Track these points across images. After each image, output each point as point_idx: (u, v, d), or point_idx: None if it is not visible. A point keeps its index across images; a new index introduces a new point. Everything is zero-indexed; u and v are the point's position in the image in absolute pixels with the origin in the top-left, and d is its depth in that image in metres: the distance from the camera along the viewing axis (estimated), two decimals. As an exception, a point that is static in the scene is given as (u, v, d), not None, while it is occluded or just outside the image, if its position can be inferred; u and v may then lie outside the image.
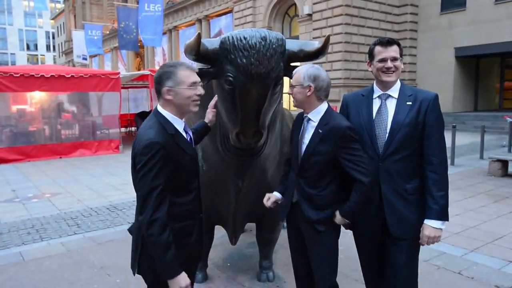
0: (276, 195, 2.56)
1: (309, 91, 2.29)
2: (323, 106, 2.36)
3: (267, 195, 2.58)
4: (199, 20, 27.55)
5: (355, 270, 3.25)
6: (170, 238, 1.86)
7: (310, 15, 18.41)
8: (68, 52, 48.28)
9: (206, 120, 2.46)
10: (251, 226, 4.33)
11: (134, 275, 2.07)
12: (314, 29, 18.00)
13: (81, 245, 4.54)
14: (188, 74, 1.98)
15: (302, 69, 2.33)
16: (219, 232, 3.79)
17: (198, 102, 2.04)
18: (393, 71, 2.28)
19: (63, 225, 5.30)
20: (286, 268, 2.72)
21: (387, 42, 2.27)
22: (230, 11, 24.49)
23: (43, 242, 4.70)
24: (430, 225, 2.23)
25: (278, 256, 3.90)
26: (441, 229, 2.25)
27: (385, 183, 2.28)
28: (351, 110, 2.45)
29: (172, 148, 1.91)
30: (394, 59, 2.26)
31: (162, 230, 1.84)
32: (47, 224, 5.37)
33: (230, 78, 2.23)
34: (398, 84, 2.34)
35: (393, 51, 2.26)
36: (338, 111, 2.53)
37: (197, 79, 2.02)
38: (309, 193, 2.35)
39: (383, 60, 2.27)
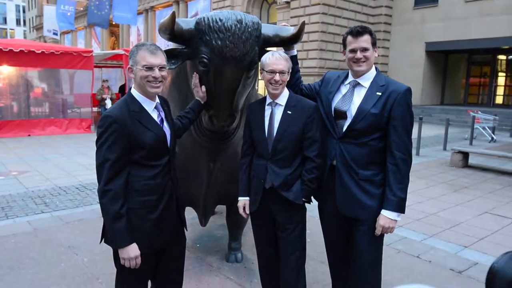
0: (246, 199, 2.57)
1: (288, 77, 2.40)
2: (287, 90, 2.45)
3: (241, 204, 2.57)
4: (177, 2, 26.95)
5: (321, 253, 3.36)
6: (123, 210, 1.94)
7: (288, 2, 18.38)
8: (39, 27, 46.21)
9: (198, 98, 2.45)
10: (221, 208, 4.40)
11: (99, 243, 2.15)
12: (291, 17, 18.00)
13: (49, 224, 4.49)
14: (145, 55, 1.99)
15: (285, 55, 2.38)
16: (190, 214, 3.83)
17: (156, 85, 2.03)
18: (363, 61, 2.28)
19: (30, 204, 5.20)
20: (255, 250, 2.79)
21: (357, 32, 2.26)
22: (208, -6, 24.10)
23: (9, 220, 4.61)
24: (386, 215, 2.25)
25: (247, 238, 3.99)
26: (395, 220, 2.27)
27: (339, 161, 2.34)
28: (325, 84, 2.51)
29: (131, 124, 1.97)
30: (364, 49, 2.25)
31: (113, 201, 1.92)
32: (13, 202, 5.27)
33: (205, 60, 2.24)
34: (372, 73, 2.33)
35: (364, 41, 2.25)
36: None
37: (155, 62, 2.00)
38: (283, 174, 2.40)
39: (353, 50, 2.28)
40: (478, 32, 16.71)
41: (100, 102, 13.70)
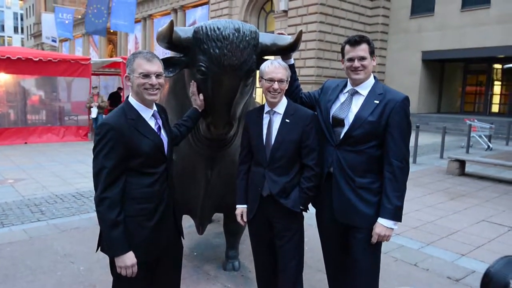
0: (243, 207, 2.58)
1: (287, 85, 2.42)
2: (285, 98, 2.47)
3: (238, 212, 2.58)
4: (175, 10, 27.14)
5: (318, 261, 3.36)
6: (120, 218, 1.94)
7: (285, 11, 18.52)
8: (37, 35, 46.32)
9: (195, 106, 2.46)
10: (218, 216, 4.38)
11: (96, 251, 2.13)
12: (289, 26, 18.13)
13: (45, 232, 4.46)
14: (141, 63, 2.01)
15: (284, 64, 2.40)
16: (187, 222, 3.82)
17: (153, 92, 2.04)
18: (361, 70, 2.30)
19: (26, 212, 5.18)
20: (252, 258, 2.78)
21: (355, 42, 2.29)
22: (207, 3, 24.24)
23: (5, 228, 4.58)
24: (382, 223, 2.26)
25: (245, 246, 3.97)
26: (392, 228, 2.27)
27: (336, 169, 2.35)
28: (324, 92, 2.53)
29: (128, 132, 1.97)
30: (361, 58, 2.27)
31: (110, 208, 1.92)
32: (9, 210, 5.23)
33: (203, 68, 2.25)
34: (370, 82, 2.35)
35: (361, 50, 2.27)
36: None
37: (152, 69, 2.01)
38: (281, 181, 2.40)
39: (351, 59, 2.30)
40: (473, 41, 16.87)
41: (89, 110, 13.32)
